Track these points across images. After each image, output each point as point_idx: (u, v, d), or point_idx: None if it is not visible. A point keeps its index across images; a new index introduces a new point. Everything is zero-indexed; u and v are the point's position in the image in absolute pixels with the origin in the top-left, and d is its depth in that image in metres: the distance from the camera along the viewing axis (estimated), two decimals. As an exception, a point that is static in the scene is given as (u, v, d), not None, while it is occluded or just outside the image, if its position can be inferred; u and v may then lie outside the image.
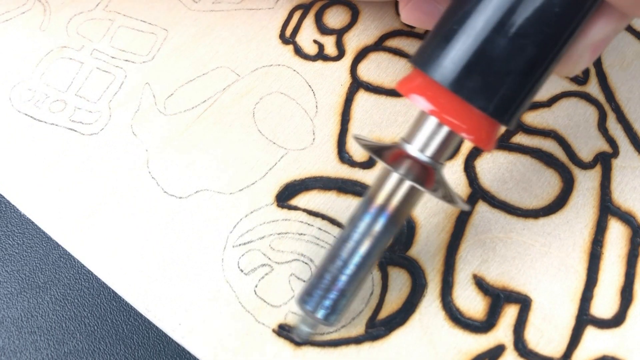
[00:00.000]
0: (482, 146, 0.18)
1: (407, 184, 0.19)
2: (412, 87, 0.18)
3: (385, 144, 0.20)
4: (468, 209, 0.20)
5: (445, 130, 0.18)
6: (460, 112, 0.17)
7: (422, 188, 0.18)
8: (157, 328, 0.23)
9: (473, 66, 0.17)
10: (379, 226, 0.19)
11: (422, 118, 0.19)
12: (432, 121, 0.18)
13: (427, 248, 0.23)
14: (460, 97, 0.17)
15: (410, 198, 0.19)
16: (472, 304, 0.22)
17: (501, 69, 0.17)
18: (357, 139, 0.20)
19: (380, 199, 0.19)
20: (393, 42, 0.28)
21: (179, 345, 0.22)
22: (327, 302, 0.20)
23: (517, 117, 0.18)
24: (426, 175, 0.18)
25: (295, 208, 0.24)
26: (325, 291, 0.20)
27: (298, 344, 0.22)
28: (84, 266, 0.24)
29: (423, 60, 0.18)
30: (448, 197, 0.19)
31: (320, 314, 0.20)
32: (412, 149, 0.19)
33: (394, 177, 0.19)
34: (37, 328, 0.24)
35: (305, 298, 0.20)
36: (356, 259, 0.19)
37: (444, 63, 0.17)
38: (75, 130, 0.26)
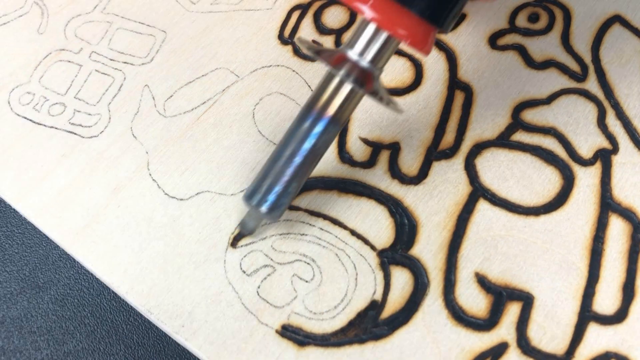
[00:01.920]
0: (419, 48, 0.19)
1: (347, 86, 0.20)
2: None
3: (327, 49, 0.21)
4: (402, 111, 0.22)
5: (383, 35, 0.20)
6: (398, 17, 0.19)
7: (360, 89, 0.20)
8: (157, 328, 0.23)
9: None
10: (320, 126, 0.21)
11: (362, 25, 0.20)
12: (371, 27, 0.20)
13: (428, 247, 0.23)
14: (398, 4, 0.19)
15: (350, 100, 0.21)
16: (475, 302, 0.22)
17: None
18: (300, 41, 0.22)
19: (321, 101, 0.21)
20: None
21: (179, 345, 0.22)
22: (271, 197, 0.21)
23: (450, 20, 0.19)
24: (365, 79, 0.20)
25: (297, 208, 0.24)
26: (269, 187, 0.21)
27: (302, 344, 0.22)
28: (84, 266, 0.24)
29: None
30: (385, 100, 0.21)
31: (264, 207, 0.21)
32: (352, 54, 0.20)
33: (335, 79, 0.21)
34: (37, 328, 0.24)
35: (250, 194, 0.22)
36: (299, 157, 0.21)
37: None
38: (75, 133, 0.26)
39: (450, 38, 0.28)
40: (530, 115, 0.26)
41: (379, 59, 0.20)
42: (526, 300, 0.22)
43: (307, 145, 0.21)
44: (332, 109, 0.21)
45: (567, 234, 0.23)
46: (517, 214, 0.24)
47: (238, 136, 0.26)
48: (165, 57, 0.28)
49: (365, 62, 0.20)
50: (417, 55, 0.27)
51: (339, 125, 0.21)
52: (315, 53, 0.21)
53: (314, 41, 0.28)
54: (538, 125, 0.25)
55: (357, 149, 0.25)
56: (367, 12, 0.19)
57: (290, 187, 0.21)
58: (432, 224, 0.24)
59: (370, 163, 0.25)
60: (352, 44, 0.20)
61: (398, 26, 0.19)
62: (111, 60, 0.28)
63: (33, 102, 0.27)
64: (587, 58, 0.27)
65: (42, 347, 0.24)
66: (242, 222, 0.23)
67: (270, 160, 0.22)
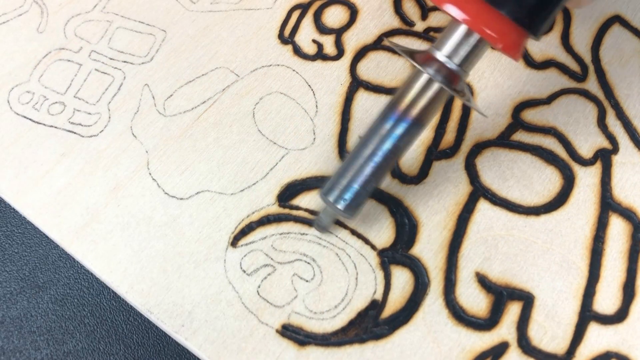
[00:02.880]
0: (510, 53, 0.19)
1: (435, 85, 0.20)
2: None
3: (416, 49, 0.21)
4: (486, 117, 0.22)
5: (474, 38, 0.19)
6: (490, 20, 0.18)
7: (449, 89, 0.20)
8: (156, 328, 0.23)
9: None
10: (403, 127, 0.20)
11: (452, 26, 0.20)
12: (462, 29, 0.19)
13: (429, 246, 0.23)
14: (491, 6, 0.18)
15: (437, 101, 0.20)
16: (475, 301, 0.22)
17: None
18: (390, 42, 0.21)
19: (406, 101, 0.20)
20: (392, 41, 0.28)
21: (178, 344, 0.22)
22: (348, 195, 0.21)
23: (544, 27, 0.19)
24: (452, 80, 0.20)
25: (297, 208, 0.24)
26: (347, 185, 0.21)
27: (302, 343, 0.22)
28: (83, 266, 0.24)
29: None
30: (470, 102, 0.20)
31: (340, 204, 0.21)
32: (441, 55, 0.20)
33: (423, 78, 0.20)
34: (37, 328, 0.24)
35: (328, 190, 0.22)
36: (379, 157, 0.21)
37: None
38: (75, 132, 0.26)
39: (450, 38, 0.28)
40: (531, 115, 0.26)
41: (468, 62, 0.20)
42: (527, 300, 0.22)
43: (388, 145, 0.21)
44: (416, 110, 0.20)
45: (568, 234, 0.23)
46: (517, 213, 0.24)
47: (238, 136, 0.26)
48: (165, 57, 0.28)
49: (453, 64, 0.20)
50: (401, 52, 0.27)
51: (423, 127, 0.21)
52: (405, 52, 0.20)
53: (314, 40, 0.28)
54: (538, 125, 0.25)
55: (358, 149, 0.25)
56: (458, 13, 0.19)
57: (368, 186, 0.21)
58: (433, 223, 0.24)
59: (370, 162, 0.25)
60: (440, 45, 0.20)
61: (490, 29, 0.18)
62: (111, 59, 0.28)
63: (32, 101, 0.27)
64: (587, 58, 0.27)
65: (42, 347, 0.24)
66: (317, 218, 0.23)
67: (350, 157, 0.21)
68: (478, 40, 0.19)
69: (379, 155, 0.21)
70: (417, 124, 0.20)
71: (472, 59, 0.20)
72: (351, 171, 0.21)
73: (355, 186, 0.21)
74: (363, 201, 0.22)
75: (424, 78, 0.20)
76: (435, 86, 0.20)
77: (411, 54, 0.20)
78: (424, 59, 0.20)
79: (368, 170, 0.21)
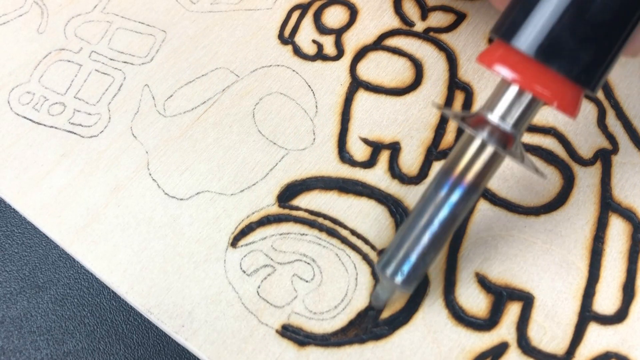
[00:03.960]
0: (566, 112, 0.18)
1: (489, 149, 0.19)
2: (494, 58, 0.18)
3: (467, 113, 0.20)
4: (546, 178, 0.21)
5: (527, 98, 0.18)
6: (543, 78, 0.18)
7: (504, 152, 0.19)
8: (156, 328, 0.23)
9: (557, 32, 0.17)
10: (458, 194, 0.20)
11: (503, 87, 0.19)
12: (513, 89, 0.19)
13: (429, 247, 0.23)
14: (543, 64, 0.17)
15: (491, 165, 0.19)
16: (475, 302, 0.22)
17: (585, 34, 0.17)
18: (442, 107, 0.20)
19: (461, 165, 0.19)
20: (392, 41, 0.28)
21: (178, 344, 0.22)
22: (406, 268, 0.20)
23: (601, 81, 0.18)
24: (506, 143, 0.19)
25: (297, 208, 0.24)
26: (403, 257, 0.20)
27: (302, 343, 0.22)
28: (83, 266, 0.24)
29: (504, 31, 0.18)
30: (528, 164, 0.19)
31: (398, 279, 0.20)
32: (494, 117, 0.19)
33: (476, 142, 0.19)
34: (36, 328, 0.24)
35: (385, 264, 0.21)
36: (435, 226, 0.20)
37: (527, 31, 0.17)
38: (75, 133, 0.26)
39: (450, 38, 0.28)
40: (531, 115, 0.26)
41: (522, 122, 0.19)
42: (526, 300, 0.22)
43: (445, 213, 0.20)
44: (471, 175, 0.19)
45: (567, 234, 0.23)
46: (517, 214, 0.24)
47: (238, 136, 0.26)
48: (165, 57, 0.28)
49: (507, 126, 0.19)
50: (418, 55, 0.27)
51: (478, 192, 0.20)
52: (456, 117, 0.19)
53: (313, 41, 0.28)
54: (538, 126, 0.25)
55: (358, 149, 0.25)
56: (509, 73, 0.18)
57: (427, 257, 0.20)
58: (433, 223, 0.24)
59: (370, 163, 0.25)
60: (492, 106, 0.19)
61: (543, 88, 0.18)
62: (111, 59, 0.28)
63: (33, 102, 0.27)
64: (587, 58, 0.27)
65: (42, 347, 0.24)
66: (374, 294, 0.22)
67: (406, 228, 0.20)
68: (531, 99, 0.18)
69: (435, 224, 0.20)
70: (473, 190, 0.20)
71: (526, 119, 0.19)
72: (407, 242, 0.20)
73: (413, 258, 0.20)
74: (422, 273, 0.21)
75: (477, 142, 0.19)
76: (489, 149, 0.19)
77: (463, 118, 0.19)
78: (475, 121, 0.19)
79: (425, 240, 0.20)
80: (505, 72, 0.18)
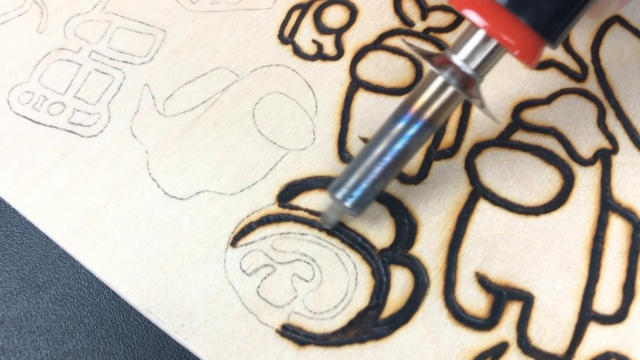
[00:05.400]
0: (526, 61, 0.19)
1: (450, 88, 0.20)
2: (464, 2, 0.19)
3: (432, 52, 0.21)
4: (499, 122, 0.23)
5: (491, 44, 0.19)
6: (509, 26, 0.18)
7: (464, 93, 0.20)
8: (156, 327, 0.23)
9: None
10: (415, 129, 0.21)
11: (470, 31, 0.20)
12: (479, 34, 0.19)
13: (429, 246, 0.23)
14: (512, 13, 0.18)
15: (450, 104, 0.20)
16: (475, 301, 0.22)
17: None
18: (408, 43, 0.21)
19: (420, 102, 0.20)
20: (392, 41, 0.28)
21: (178, 344, 0.22)
22: (356, 193, 0.21)
23: (562, 37, 0.19)
24: (467, 85, 0.20)
25: (297, 208, 0.24)
26: (356, 183, 0.21)
27: (302, 343, 0.22)
28: (83, 266, 0.24)
29: None
30: (485, 108, 0.20)
31: (348, 202, 0.21)
32: (457, 59, 0.20)
33: (438, 81, 0.20)
34: (36, 328, 0.24)
35: (336, 187, 0.22)
36: (389, 157, 0.21)
37: None
38: (75, 133, 0.26)
39: (450, 38, 0.28)
40: (530, 115, 0.26)
41: (484, 67, 0.20)
42: (526, 300, 0.22)
43: (399, 146, 0.21)
44: (430, 112, 0.20)
45: (567, 234, 0.23)
46: (517, 213, 0.24)
47: (238, 136, 0.26)
48: (165, 57, 0.28)
49: (469, 69, 0.20)
50: (417, 55, 0.27)
51: (434, 129, 0.21)
52: (421, 54, 0.20)
53: (313, 40, 0.28)
54: (538, 125, 0.25)
55: (357, 149, 0.25)
56: (477, 19, 0.19)
57: (377, 185, 0.21)
58: (432, 223, 0.24)
59: (370, 163, 0.25)
60: (457, 49, 0.20)
61: (509, 36, 0.18)
62: (111, 59, 0.28)
63: (32, 101, 0.27)
64: (587, 58, 0.27)
65: (42, 347, 0.24)
66: (323, 214, 0.23)
67: (360, 156, 0.21)
68: (495, 46, 0.19)
69: (389, 155, 0.21)
70: (429, 126, 0.21)
71: (488, 65, 0.20)
72: (360, 170, 0.21)
73: (364, 185, 0.21)
74: (370, 200, 0.22)
75: (438, 81, 0.20)
76: (450, 90, 0.20)
77: (427, 56, 0.20)
78: (439, 61, 0.20)
79: (377, 169, 0.21)
80: (474, 17, 0.19)
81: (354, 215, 0.22)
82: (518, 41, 0.18)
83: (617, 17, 0.28)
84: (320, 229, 0.23)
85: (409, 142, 0.21)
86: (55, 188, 0.25)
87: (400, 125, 0.21)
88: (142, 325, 0.24)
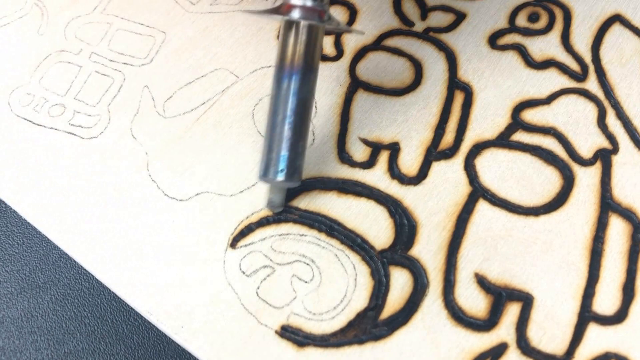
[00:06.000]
0: None
1: (305, 25, 0.21)
2: None
3: (271, 7, 0.22)
4: (363, 33, 0.23)
5: None
6: None
7: (316, 22, 0.21)
8: (157, 328, 0.23)
9: None
10: (298, 80, 0.22)
11: None
12: None
13: (428, 247, 0.23)
14: None
15: (314, 40, 0.22)
16: (474, 302, 0.22)
17: None
18: (247, 11, 0.23)
19: (289, 54, 0.22)
20: (391, 41, 0.28)
21: (179, 345, 0.22)
22: (282, 164, 0.22)
23: None
24: (317, 14, 0.21)
25: (296, 209, 0.24)
26: (277, 156, 0.22)
27: (301, 344, 0.22)
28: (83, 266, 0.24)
29: None
30: (341, 26, 0.22)
31: (281, 176, 0.22)
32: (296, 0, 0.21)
33: (292, 28, 0.21)
34: (37, 328, 0.24)
35: (264, 171, 0.22)
36: (291, 116, 0.22)
37: None
38: (75, 134, 0.26)
39: (450, 38, 0.28)
40: (530, 115, 0.26)
41: None
42: (526, 301, 0.22)
43: (294, 101, 0.22)
44: (301, 58, 0.21)
45: (567, 234, 0.23)
46: (516, 214, 0.24)
47: (238, 136, 0.26)
48: (164, 58, 0.28)
49: (310, 1, 0.21)
50: (417, 55, 0.27)
51: (314, 70, 0.22)
52: (264, 13, 0.21)
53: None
54: (538, 125, 0.25)
55: (357, 150, 0.25)
56: None
57: (297, 146, 0.22)
58: (432, 224, 0.24)
59: (369, 163, 0.25)
60: None
61: None
62: (111, 61, 0.28)
63: (33, 103, 0.27)
64: (587, 58, 0.27)
65: (43, 347, 0.24)
66: (268, 201, 0.24)
67: (268, 130, 0.22)
68: None
69: (289, 115, 0.22)
70: (308, 70, 0.22)
71: None
72: (275, 142, 0.22)
73: (285, 153, 0.22)
74: (300, 164, 0.22)
75: (292, 26, 0.21)
76: (305, 27, 0.21)
77: (272, 10, 0.21)
78: (285, 9, 0.21)
79: (288, 133, 0.22)
80: None
81: (294, 185, 0.23)
82: None
83: (618, 16, 0.28)
84: (273, 214, 0.24)
85: (300, 94, 0.22)
86: (55, 190, 0.25)
87: (284, 85, 0.22)
88: (142, 326, 0.24)
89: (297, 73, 0.21)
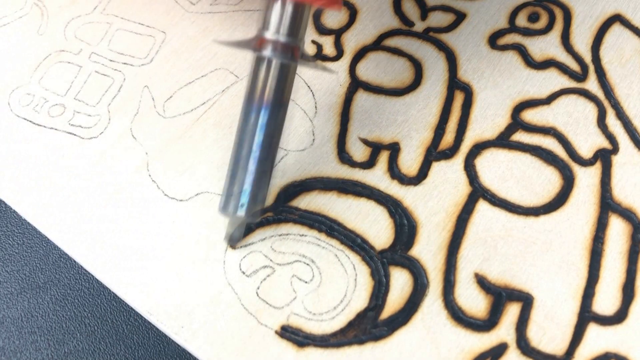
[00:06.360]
0: (326, 6, 0.21)
1: (277, 63, 0.21)
2: None
3: (245, 39, 0.21)
4: (335, 72, 0.24)
5: (290, 5, 0.20)
6: None
7: (291, 62, 0.21)
8: (157, 328, 0.23)
9: None
10: (266, 115, 0.21)
11: (269, 5, 0.21)
12: (277, 3, 0.20)
13: (428, 247, 0.23)
14: None
15: (285, 77, 0.21)
16: (474, 302, 0.22)
17: None
18: (219, 41, 0.22)
19: (258, 89, 0.21)
20: (391, 42, 0.28)
21: (179, 345, 0.22)
22: (243, 199, 0.21)
23: None
24: (291, 52, 0.21)
25: (296, 209, 0.24)
26: (239, 190, 0.21)
27: (301, 344, 0.22)
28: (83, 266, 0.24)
29: None
30: (316, 65, 0.21)
31: (240, 212, 0.22)
32: (270, 34, 0.21)
33: (264, 63, 0.21)
34: (37, 328, 0.24)
35: (224, 205, 0.22)
36: (256, 151, 0.21)
37: None
38: (75, 134, 0.26)
39: (450, 38, 0.28)
40: (530, 115, 0.26)
41: (296, 29, 0.21)
42: (526, 301, 0.22)
43: (261, 136, 0.21)
44: (271, 93, 0.21)
45: (567, 235, 0.23)
46: (516, 214, 0.24)
47: (237, 137, 0.26)
48: (164, 58, 0.28)
49: (283, 37, 0.20)
50: (417, 55, 0.27)
51: (284, 106, 0.21)
52: (237, 45, 0.21)
53: (313, 41, 0.28)
54: (538, 125, 0.25)
55: (357, 150, 0.25)
56: None
57: (261, 182, 0.22)
58: (432, 224, 0.24)
59: (369, 163, 0.25)
60: (266, 25, 0.21)
61: None
62: (111, 61, 0.28)
63: (33, 104, 0.27)
64: (587, 58, 0.27)
65: (43, 348, 0.24)
66: (229, 237, 0.23)
67: (231, 162, 0.22)
68: (294, 6, 0.20)
69: (255, 150, 0.21)
70: (278, 105, 0.21)
71: (299, 25, 0.21)
72: (238, 175, 0.21)
73: (248, 188, 0.21)
74: (261, 200, 0.22)
75: (265, 61, 0.21)
76: (277, 64, 0.21)
77: (244, 43, 0.21)
78: (257, 44, 0.21)
79: (252, 167, 0.21)
80: None
81: (254, 221, 0.23)
82: None
83: (618, 16, 0.28)
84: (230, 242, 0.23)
85: (267, 129, 0.21)
86: (55, 190, 0.25)
87: (252, 118, 0.21)
88: (142, 326, 0.24)
89: (266, 108, 0.21)
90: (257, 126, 0.21)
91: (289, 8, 0.20)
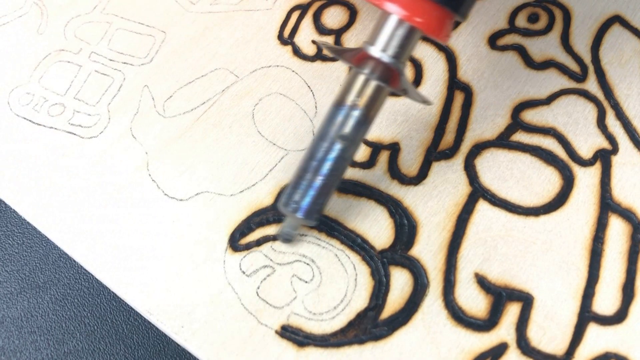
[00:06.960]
0: (437, 37, 0.20)
1: (373, 83, 0.20)
2: None
3: (349, 48, 0.21)
4: (431, 104, 0.23)
5: (404, 27, 0.20)
6: (417, 6, 0.19)
7: (386, 86, 0.20)
8: (157, 328, 0.23)
9: None
10: (350, 125, 0.21)
11: (382, 20, 0.20)
12: (392, 20, 0.20)
13: (428, 247, 0.23)
14: None
15: (377, 97, 0.21)
16: (474, 302, 0.22)
17: None
18: (321, 43, 0.22)
19: (349, 100, 0.21)
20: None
21: (179, 345, 0.22)
22: (306, 202, 0.21)
23: (467, 6, 0.20)
24: (390, 74, 0.20)
25: (296, 209, 0.24)
26: (303, 192, 0.21)
27: (301, 344, 0.22)
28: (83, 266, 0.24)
29: None
30: (412, 93, 0.21)
31: (300, 213, 0.21)
32: (375, 50, 0.20)
33: (360, 78, 0.20)
34: (37, 328, 0.24)
35: (286, 201, 0.21)
36: (330, 159, 0.21)
37: None
38: (75, 134, 0.26)
39: (450, 38, 0.28)
40: (530, 116, 0.26)
41: (402, 52, 0.20)
42: (526, 301, 0.22)
43: (339, 146, 0.21)
44: (360, 107, 0.21)
45: (567, 235, 0.23)
46: (516, 214, 0.24)
47: (237, 137, 0.26)
48: (164, 58, 0.28)
49: (388, 57, 0.20)
50: (417, 55, 0.27)
51: (368, 125, 0.21)
52: (337, 53, 0.21)
53: (313, 41, 0.28)
54: (538, 126, 0.25)
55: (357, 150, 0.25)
56: (387, 5, 0.19)
57: (326, 189, 0.21)
58: (432, 224, 0.24)
59: (370, 163, 0.25)
60: (373, 40, 0.20)
61: (417, 16, 0.19)
62: (111, 60, 0.28)
63: (33, 103, 0.27)
64: (587, 58, 0.27)
65: (42, 347, 0.24)
66: (282, 231, 0.23)
67: (303, 164, 0.21)
68: (409, 29, 0.20)
69: (330, 158, 0.21)
70: (364, 122, 0.21)
71: (406, 48, 0.20)
72: (306, 178, 0.21)
73: (312, 192, 0.21)
74: (322, 204, 0.22)
75: (361, 78, 0.20)
76: (373, 84, 0.20)
77: (343, 53, 0.21)
78: (359, 57, 0.20)
79: (322, 174, 0.21)
80: (384, 4, 0.19)
81: (309, 224, 0.23)
82: (426, 20, 0.19)
83: (617, 17, 0.28)
84: (283, 241, 0.23)
85: (347, 139, 0.21)
86: (54, 189, 0.25)
87: (337, 124, 0.21)
88: (142, 325, 0.24)
89: (355, 117, 0.21)
90: (339, 132, 0.21)
91: (403, 29, 0.20)
